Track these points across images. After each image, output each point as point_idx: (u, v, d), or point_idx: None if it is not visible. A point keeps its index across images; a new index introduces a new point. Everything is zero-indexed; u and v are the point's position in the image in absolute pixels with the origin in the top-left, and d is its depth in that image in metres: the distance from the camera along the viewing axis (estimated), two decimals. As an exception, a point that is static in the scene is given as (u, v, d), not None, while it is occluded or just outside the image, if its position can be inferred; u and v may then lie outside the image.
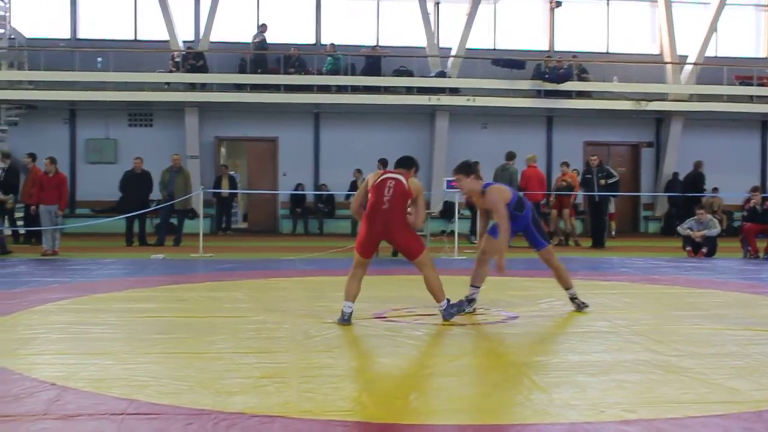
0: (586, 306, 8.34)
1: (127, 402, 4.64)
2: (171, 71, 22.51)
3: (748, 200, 17.23)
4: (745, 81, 24.87)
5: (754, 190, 17.27)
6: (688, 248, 16.33)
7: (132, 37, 23.83)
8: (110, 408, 4.52)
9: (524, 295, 9.04)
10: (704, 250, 16.05)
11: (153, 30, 23.20)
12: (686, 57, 24.72)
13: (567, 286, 8.42)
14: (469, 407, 4.69)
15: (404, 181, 7.60)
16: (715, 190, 23.83)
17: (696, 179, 23.02)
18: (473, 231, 18.20)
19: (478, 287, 8.23)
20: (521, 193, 8.49)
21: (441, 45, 24.23)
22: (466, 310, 8.04)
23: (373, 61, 23.24)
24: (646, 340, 6.73)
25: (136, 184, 17.77)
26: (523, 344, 6.74)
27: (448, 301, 7.63)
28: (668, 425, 4.31)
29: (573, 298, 8.40)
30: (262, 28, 23.13)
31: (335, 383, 5.14)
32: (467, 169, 8.06)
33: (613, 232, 21.29)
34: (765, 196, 17.40)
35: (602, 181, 18.08)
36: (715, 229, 16.28)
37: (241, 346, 6.34)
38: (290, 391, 4.93)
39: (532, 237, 8.25)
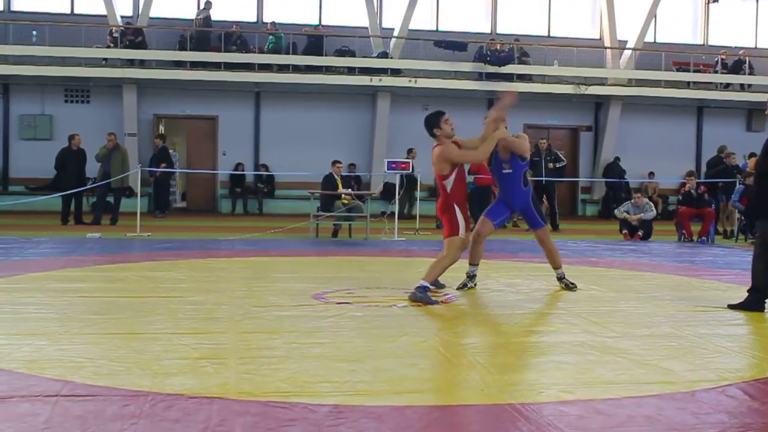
0: (575, 286, 8.62)
1: (61, 383, 4.55)
2: (109, 47, 22.11)
3: (683, 185, 17.52)
4: (683, 67, 25.33)
5: (689, 174, 17.60)
6: (625, 231, 16.59)
7: (68, 11, 23.38)
8: (44, 389, 4.43)
9: (462, 277, 9.07)
10: (640, 233, 16.32)
11: (91, 3, 22.75)
12: (626, 42, 25.05)
13: (556, 266, 8.74)
14: (408, 388, 4.70)
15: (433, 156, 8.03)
16: (650, 174, 24.22)
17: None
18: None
19: (477, 265, 8.59)
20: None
21: (383, 26, 24.21)
22: (469, 286, 8.49)
23: (315, 40, 23.12)
24: (583, 322, 6.81)
25: (72, 161, 17.40)
26: (462, 325, 6.78)
27: (426, 287, 7.70)
28: (605, 405, 4.36)
29: (560, 278, 8.70)
30: (207, 5, 22.83)
31: (274, 364, 5.11)
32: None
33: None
34: (700, 181, 17.72)
35: (551, 165, 18.22)
36: (651, 213, 16.56)
37: (179, 327, 6.27)
38: (229, 372, 4.88)
39: (531, 215, 8.60)
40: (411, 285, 8.11)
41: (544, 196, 18.19)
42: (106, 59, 22.24)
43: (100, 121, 21.43)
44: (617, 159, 24.14)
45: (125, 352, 5.41)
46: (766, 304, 7.47)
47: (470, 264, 8.60)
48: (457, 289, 8.45)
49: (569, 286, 8.60)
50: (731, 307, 7.52)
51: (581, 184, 25.01)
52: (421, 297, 7.63)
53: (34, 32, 22.19)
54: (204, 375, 4.82)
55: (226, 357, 5.29)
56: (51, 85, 22.53)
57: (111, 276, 9.30)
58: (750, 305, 7.40)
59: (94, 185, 17.82)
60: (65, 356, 5.22)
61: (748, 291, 7.54)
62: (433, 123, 8.14)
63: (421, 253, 12.01)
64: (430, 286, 7.79)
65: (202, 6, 23.07)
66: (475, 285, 8.57)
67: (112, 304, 7.29)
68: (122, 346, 5.57)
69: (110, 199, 17.87)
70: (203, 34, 22.67)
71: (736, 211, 17.01)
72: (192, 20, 23.39)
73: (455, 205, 7.95)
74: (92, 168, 17.92)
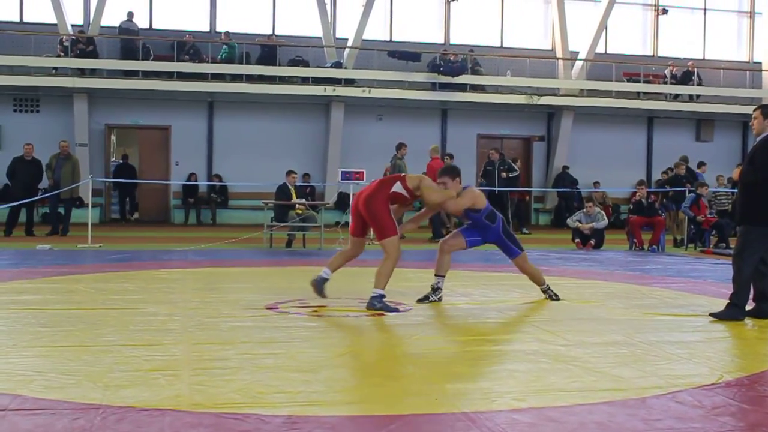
0: (558, 298, 8.65)
1: (10, 397, 4.47)
2: (59, 56, 21.85)
3: (634, 194, 17.74)
4: (633, 78, 25.71)
5: (640, 184, 17.83)
6: (577, 240, 16.75)
7: (17, 19, 23.04)
8: (-8, 404, 4.36)
9: (418, 287, 9.11)
10: (592, 242, 16.50)
11: (40, 12, 22.48)
12: (577, 53, 25.36)
13: (539, 284, 8.81)
14: (361, 398, 4.70)
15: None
16: (596, 184, 24.50)
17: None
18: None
19: (443, 276, 8.49)
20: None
21: (337, 36, 24.25)
22: (431, 299, 8.33)
23: (268, 50, 23.09)
24: (536, 330, 6.86)
25: (24, 171, 17.15)
26: (415, 335, 6.79)
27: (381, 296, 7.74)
28: (556, 413, 4.40)
29: (545, 291, 8.75)
30: (130, 15, 22.67)
31: (228, 375, 5.07)
32: (453, 171, 8.39)
33: None
34: (650, 190, 17.96)
35: (504, 174, 18.34)
36: (603, 222, 16.75)
37: (130, 339, 6.20)
38: (181, 384, 4.84)
39: (505, 247, 8.61)
40: (364, 295, 8.11)
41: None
42: (56, 68, 21.98)
43: (50, 131, 21.17)
44: (566, 168, 24.38)
45: (76, 364, 5.34)
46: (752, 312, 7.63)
47: (435, 275, 8.48)
48: (418, 301, 8.28)
49: (553, 298, 8.65)
50: (713, 315, 7.60)
51: (534, 193, 25.22)
52: (380, 306, 7.64)
53: (-18, 41, 21.89)
54: (156, 387, 4.77)
55: (178, 368, 5.25)
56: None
57: (61, 288, 9.17)
58: (734, 315, 7.51)
59: (44, 195, 17.58)
60: (14, 369, 5.14)
61: (730, 299, 7.63)
62: (454, 173, 8.36)
63: (375, 263, 12.00)
64: (384, 293, 7.79)
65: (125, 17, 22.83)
66: (439, 299, 8.37)
67: (63, 317, 7.19)
68: (73, 359, 5.49)
69: (61, 209, 17.63)
70: (128, 43, 22.49)
71: (686, 219, 17.28)
72: (145, 29, 23.27)
73: (389, 206, 7.89)
74: (44, 179, 17.70)
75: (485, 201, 8.51)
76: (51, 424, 4.05)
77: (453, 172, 8.36)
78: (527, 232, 20.61)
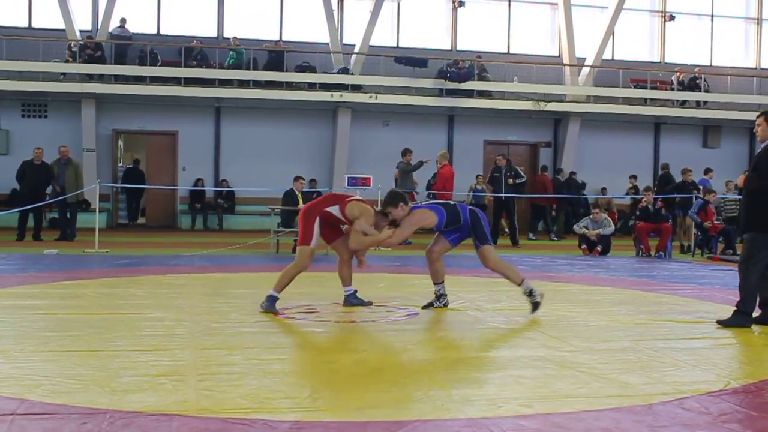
0: (538, 305, 7.98)
1: (18, 402, 4.49)
2: (67, 61, 21.91)
3: (640, 200, 17.71)
4: (640, 84, 25.67)
5: (646, 190, 17.80)
6: (584, 246, 16.73)
7: (26, 25, 23.11)
8: (0, 408, 4.37)
9: (424, 292, 9.11)
10: (599, 248, 16.47)
11: (49, 18, 22.55)
12: (584, 59, 25.32)
13: (516, 282, 8.14)
14: (368, 404, 4.70)
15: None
16: (603, 190, 24.47)
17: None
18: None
19: (441, 283, 8.36)
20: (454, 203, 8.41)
21: (344, 41, 24.26)
22: (435, 305, 8.28)
23: (275, 56, 23.11)
24: (542, 336, 6.86)
25: (32, 175, 17.24)
26: (421, 341, 6.79)
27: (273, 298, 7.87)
28: (563, 419, 4.40)
29: (528, 294, 8.02)
30: (122, 21, 22.72)
31: (234, 381, 5.08)
32: (394, 200, 8.01)
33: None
34: (657, 196, 17.94)
35: (510, 181, 18.32)
36: (610, 228, 16.72)
37: (138, 344, 6.22)
38: (188, 389, 4.85)
39: (474, 237, 8.16)
40: (372, 300, 8.13)
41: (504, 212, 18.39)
42: (64, 74, 22.04)
43: (57, 136, 21.20)
44: (573, 174, 24.30)
45: (83, 369, 5.35)
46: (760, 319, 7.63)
47: (433, 283, 8.40)
48: (423, 308, 8.27)
49: (533, 302, 8.00)
50: (720, 323, 7.60)
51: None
52: (266, 306, 7.82)
53: (-9, 46, 21.97)
54: (163, 392, 4.78)
55: (185, 374, 5.26)
56: (8, 99, 22.27)
57: (69, 293, 9.19)
58: (741, 322, 7.50)
59: (50, 201, 17.63)
60: (21, 374, 5.15)
61: (736, 306, 7.62)
62: (395, 201, 8.00)
63: (381, 269, 12.03)
64: (278, 296, 7.90)
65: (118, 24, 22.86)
66: (445, 305, 8.32)
67: (70, 321, 7.21)
68: (80, 364, 5.51)
69: (67, 214, 17.64)
70: (123, 49, 22.54)
71: (693, 226, 17.25)
72: (154, 35, 23.36)
73: (318, 218, 7.99)
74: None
75: (434, 217, 8.06)
76: (58, 428, 4.06)
77: (394, 201, 7.98)
78: (555, 239, 21.05)
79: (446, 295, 8.38)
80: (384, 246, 8.51)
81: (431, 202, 8.74)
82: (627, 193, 24.07)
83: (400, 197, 8.05)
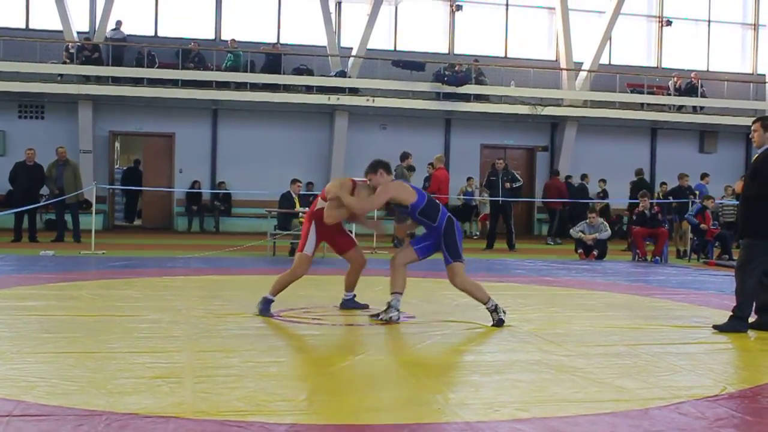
0: (502, 323, 7.57)
1: (13, 403, 4.48)
2: (65, 62, 21.90)
3: (637, 205, 17.74)
4: (637, 89, 25.71)
5: (643, 195, 17.80)
6: (580, 251, 16.75)
7: (23, 26, 23.10)
8: (-5, 409, 4.37)
9: (421, 296, 9.11)
10: (595, 252, 16.49)
11: (46, 19, 22.53)
12: (581, 64, 25.36)
13: (482, 301, 7.67)
14: (365, 407, 4.70)
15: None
16: (599, 195, 24.45)
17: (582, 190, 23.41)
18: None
19: (398, 293, 7.70)
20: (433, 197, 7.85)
21: (342, 45, 24.28)
22: (382, 318, 7.63)
23: (273, 58, 23.12)
24: (539, 341, 6.86)
25: (25, 176, 17.22)
26: (419, 344, 6.79)
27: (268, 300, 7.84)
28: (559, 423, 4.40)
29: (491, 311, 7.62)
30: (118, 24, 22.71)
31: (231, 383, 5.08)
32: (374, 167, 7.76)
33: (478, 233, 22.82)
34: (653, 201, 17.96)
35: (507, 185, 18.33)
36: (606, 233, 16.74)
37: (134, 346, 6.21)
38: (185, 392, 4.85)
39: (444, 250, 7.55)
40: (369, 303, 8.13)
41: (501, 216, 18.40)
42: (61, 75, 22.03)
43: (54, 138, 21.18)
44: (568, 178, 24.25)
45: (79, 371, 5.35)
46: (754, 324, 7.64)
47: (391, 292, 7.73)
48: (370, 317, 7.84)
49: (496, 319, 7.51)
50: (716, 328, 7.61)
51: (537, 203, 25.21)
52: (261, 309, 7.78)
53: (-12, 47, 21.96)
54: (160, 394, 4.78)
55: (182, 376, 5.26)
56: (4, 100, 22.24)
57: (65, 294, 9.18)
58: (737, 327, 7.52)
59: (47, 202, 17.61)
60: (17, 375, 5.15)
61: (732, 311, 7.63)
62: (375, 168, 7.77)
63: (379, 272, 12.01)
64: (273, 299, 7.86)
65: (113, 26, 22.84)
66: (392, 319, 7.58)
67: (66, 323, 7.20)
68: (76, 365, 5.50)
69: (68, 216, 17.62)
70: (119, 51, 22.54)
71: (689, 230, 17.27)
72: (151, 37, 23.36)
73: (314, 221, 7.92)
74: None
75: (413, 195, 7.51)
76: (55, 430, 4.06)
77: (374, 168, 7.71)
78: (559, 242, 21.15)
79: (398, 309, 7.67)
80: (357, 211, 7.74)
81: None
82: (598, 197, 24.02)
83: (382, 164, 7.74)
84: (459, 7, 25.37)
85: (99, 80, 22.26)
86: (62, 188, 17.16)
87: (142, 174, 23.73)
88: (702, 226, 16.79)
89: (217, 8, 24.21)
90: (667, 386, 5.31)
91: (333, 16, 24.06)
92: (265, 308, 7.80)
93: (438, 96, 23.58)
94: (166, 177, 23.49)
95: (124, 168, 25.71)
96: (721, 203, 19.05)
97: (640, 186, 19.81)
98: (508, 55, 25.82)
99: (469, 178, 22.94)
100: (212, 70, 22.71)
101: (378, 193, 7.58)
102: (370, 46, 23.66)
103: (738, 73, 27.44)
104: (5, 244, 16.21)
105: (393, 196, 7.58)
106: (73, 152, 20.26)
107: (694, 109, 25.99)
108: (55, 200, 17.17)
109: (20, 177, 17.27)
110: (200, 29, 24.00)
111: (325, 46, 23.70)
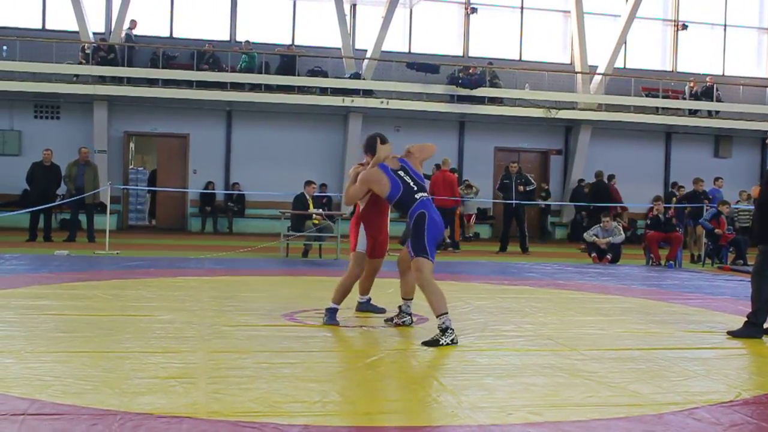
0: (403, 324, 7.55)
1: (28, 402, 4.51)
2: (81, 63, 21.98)
3: (651, 209, 17.68)
4: (652, 93, 25.61)
5: (657, 199, 17.75)
6: (594, 255, 16.70)
7: (40, 26, 23.21)
8: (11, 408, 4.38)
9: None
10: (609, 256, 16.44)
11: (62, 20, 22.63)
12: (596, 67, 25.28)
13: (405, 296, 7.63)
14: (378, 409, 4.70)
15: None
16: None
17: (600, 189, 23.12)
18: None
19: (409, 299, 7.66)
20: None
21: (356, 47, 24.28)
22: (395, 322, 7.59)
23: (287, 60, 23.15)
24: (552, 344, 6.85)
25: (42, 176, 17.30)
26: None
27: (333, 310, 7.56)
28: (573, 427, 4.39)
29: (400, 312, 7.65)
30: (132, 24, 22.77)
31: (244, 384, 5.09)
32: (370, 144, 7.63)
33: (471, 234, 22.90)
34: (667, 205, 17.91)
35: (521, 188, 18.28)
36: (620, 237, 16.69)
37: (148, 346, 6.23)
38: (198, 392, 4.86)
39: (408, 246, 7.16)
40: (385, 308, 8.14)
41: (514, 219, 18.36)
42: (77, 75, 22.11)
43: (69, 138, 21.28)
44: (581, 182, 24.16)
45: (93, 370, 5.37)
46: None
47: (402, 298, 7.71)
48: (386, 321, 7.74)
49: (433, 340, 6.79)
50: (731, 333, 7.57)
51: (551, 207, 25.14)
52: (327, 319, 7.49)
53: (5, 47, 22.03)
54: (173, 394, 4.79)
55: (195, 376, 5.27)
56: (20, 100, 22.35)
57: (79, 294, 9.21)
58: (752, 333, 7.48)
59: (63, 202, 17.68)
60: (32, 374, 5.17)
61: (747, 317, 7.59)
62: (371, 145, 7.70)
63: (391, 274, 12.00)
64: (338, 307, 7.57)
65: (128, 24, 22.88)
66: (405, 323, 7.57)
67: (80, 323, 7.23)
68: (90, 365, 5.52)
69: (82, 216, 17.68)
70: (130, 52, 22.63)
71: (704, 235, 17.19)
72: (166, 38, 23.45)
73: (362, 223, 7.77)
74: (62, 184, 17.80)
75: (386, 185, 7.13)
76: (69, 429, 4.08)
77: (364, 150, 7.64)
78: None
79: (410, 314, 7.63)
80: (345, 203, 7.66)
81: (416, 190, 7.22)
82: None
83: (368, 146, 7.61)
84: (474, 10, 25.34)
85: (114, 81, 22.34)
86: (81, 188, 17.20)
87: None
88: (716, 231, 16.70)
89: (232, 10, 24.26)
90: (681, 391, 5.29)
91: (348, 18, 24.06)
92: (331, 317, 7.50)
93: (452, 98, 23.55)
94: (180, 178, 23.54)
95: (150, 170, 25.71)
96: (736, 208, 18.97)
97: (599, 188, 19.77)
98: (523, 58, 25.77)
99: (465, 180, 22.84)
100: (227, 71, 22.75)
101: (359, 180, 7.32)
102: (384, 48, 23.65)
103: (754, 78, 27.29)
104: (20, 243, 16.28)
105: (370, 188, 7.33)
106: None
107: (709, 114, 25.87)
108: (70, 199, 17.22)
109: (37, 177, 17.35)
110: (215, 30, 24.04)
111: (339, 48, 23.72)
